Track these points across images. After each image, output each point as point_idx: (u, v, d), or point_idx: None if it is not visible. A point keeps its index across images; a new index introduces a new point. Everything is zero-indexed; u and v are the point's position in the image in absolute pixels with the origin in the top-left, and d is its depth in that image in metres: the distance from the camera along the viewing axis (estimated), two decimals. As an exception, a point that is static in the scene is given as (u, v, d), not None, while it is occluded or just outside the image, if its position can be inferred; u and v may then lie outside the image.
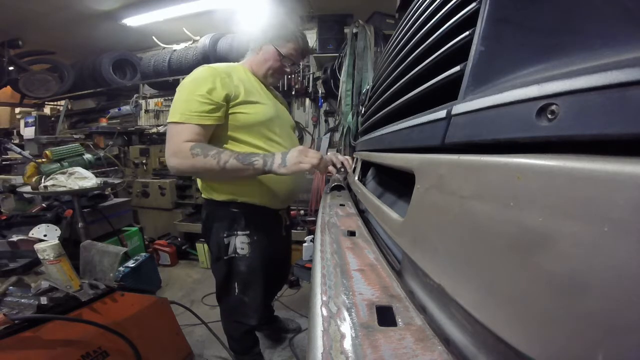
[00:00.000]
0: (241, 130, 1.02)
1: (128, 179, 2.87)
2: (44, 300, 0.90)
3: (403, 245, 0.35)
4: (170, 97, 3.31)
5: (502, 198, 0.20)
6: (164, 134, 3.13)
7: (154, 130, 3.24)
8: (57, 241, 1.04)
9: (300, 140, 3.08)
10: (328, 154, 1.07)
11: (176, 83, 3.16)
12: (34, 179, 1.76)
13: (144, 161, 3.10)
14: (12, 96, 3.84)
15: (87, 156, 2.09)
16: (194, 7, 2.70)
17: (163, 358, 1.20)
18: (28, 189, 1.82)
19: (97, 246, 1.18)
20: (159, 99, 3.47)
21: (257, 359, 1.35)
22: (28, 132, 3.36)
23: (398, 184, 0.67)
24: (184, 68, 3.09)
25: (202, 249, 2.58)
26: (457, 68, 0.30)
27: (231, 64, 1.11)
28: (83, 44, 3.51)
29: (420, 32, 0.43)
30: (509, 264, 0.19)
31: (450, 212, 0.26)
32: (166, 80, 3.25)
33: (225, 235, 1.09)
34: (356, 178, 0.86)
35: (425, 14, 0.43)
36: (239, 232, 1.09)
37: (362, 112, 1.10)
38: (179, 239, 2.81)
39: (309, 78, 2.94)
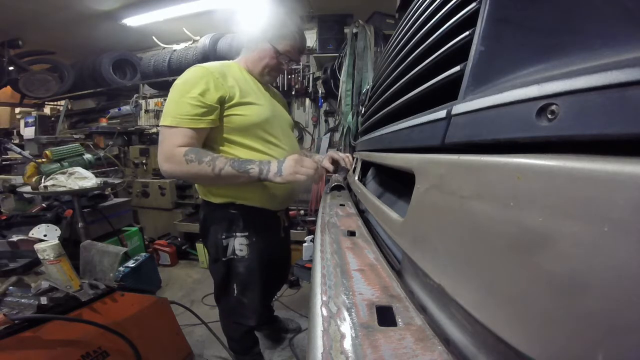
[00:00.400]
0: (237, 132, 0.99)
1: (128, 179, 2.87)
2: (44, 300, 0.90)
3: (403, 245, 0.35)
4: (170, 97, 3.31)
5: (502, 198, 0.20)
6: (162, 135, 3.12)
7: (154, 130, 3.24)
8: (57, 241, 1.04)
9: (300, 140, 3.08)
10: (328, 152, 1.06)
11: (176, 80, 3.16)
12: (34, 179, 1.76)
13: (144, 161, 3.10)
14: (12, 96, 3.84)
15: (87, 156, 2.09)
16: (194, 7, 2.70)
17: (163, 358, 1.20)
18: (28, 189, 1.82)
19: (97, 246, 1.18)
20: (159, 99, 3.47)
21: (257, 359, 1.35)
22: (28, 132, 3.36)
23: (398, 184, 0.67)
24: (184, 68, 3.03)
25: (202, 249, 2.58)
26: (457, 68, 0.30)
27: (225, 62, 1.08)
28: (83, 44, 3.51)
29: (420, 32, 0.43)
30: (509, 264, 0.19)
31: (450, 212, 0.26)
32: (166, 80, 3.25)
33: (223, 236, 1.08)
34: (356, 178, 0.86)
35: (425, 14, 0.43)
36: (237, 234, 1.08)
37: (362, 112, 1.10)
38: (179, 239, 2.81)
39: (309, 78, 2.94)
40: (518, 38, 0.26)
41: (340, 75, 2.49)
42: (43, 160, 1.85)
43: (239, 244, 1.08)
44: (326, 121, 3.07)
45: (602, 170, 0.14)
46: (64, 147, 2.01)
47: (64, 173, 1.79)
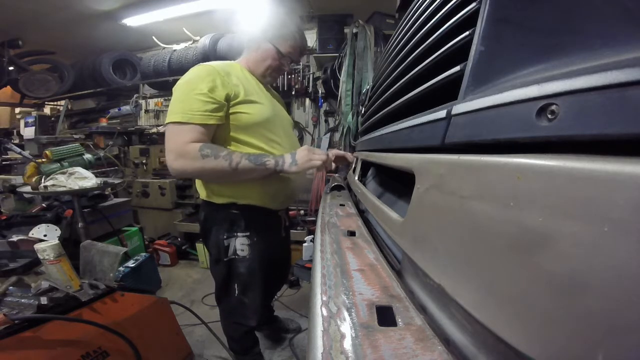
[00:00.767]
0: (241, 130, 1.00)
1: (128, 179, 2.87)
2: (44, 300, 0.90)
3: (403, 245, 0.35)
4: (170, 97, 3.30)
5: (502, 198, 0.20)
6: (164, 134, 3.12)
7: (154, 130, 3.24)
8: (57, 241, 1.04)
9: (300, 140, 3.08)
10: (330, 150, 1.07)
11: (176, 83, 3.16)
12: (34, 179, 1.76)
13: (144, 161, 3.10)
14: (12, 96, 3.84)
15: (87, 156, 2.09)
16: (194, 7, 2.70)
17: (163, 358, 1.20)
18: (28, 189, 1.82)
19: (97, 246, 1.18)
20: (159, 99, 3.47)
21: (257, 359, 1.35)
22: (28, 132, 3.36)
23: (398, 184, 0.67)
24: (184, 68, 3.05)
25: (202, 249, 2.58)
26: (457, 68, 0.30)
27: (228, 62, 1.08)
28: (83, 44, 3.51)
29: (420, 32, 0.43)
30: (509, 264, 0.19)
31: (450, 212, 0.26)
32: (166, 80, 3.25)
33: (225, 237, 1.08)
34: (356, 178, 0.86)
35: (425, 14, 0.43)
36: (238, 234, 1.08)
37: (362, 112, 1.10)
38: (179, 239, 2.81)
39: (309, 78, 2.94)
40: (518, 38, 0.26)
41: (340, 75, 2.49)
42: (43, 160, 1.85)
43: (240, 244, 1.08)
44: (326, 121, 3.07)
45: (602, 170, 0.14)
46: (64, 147, 2.01)
47: (64, 173, 1.79)
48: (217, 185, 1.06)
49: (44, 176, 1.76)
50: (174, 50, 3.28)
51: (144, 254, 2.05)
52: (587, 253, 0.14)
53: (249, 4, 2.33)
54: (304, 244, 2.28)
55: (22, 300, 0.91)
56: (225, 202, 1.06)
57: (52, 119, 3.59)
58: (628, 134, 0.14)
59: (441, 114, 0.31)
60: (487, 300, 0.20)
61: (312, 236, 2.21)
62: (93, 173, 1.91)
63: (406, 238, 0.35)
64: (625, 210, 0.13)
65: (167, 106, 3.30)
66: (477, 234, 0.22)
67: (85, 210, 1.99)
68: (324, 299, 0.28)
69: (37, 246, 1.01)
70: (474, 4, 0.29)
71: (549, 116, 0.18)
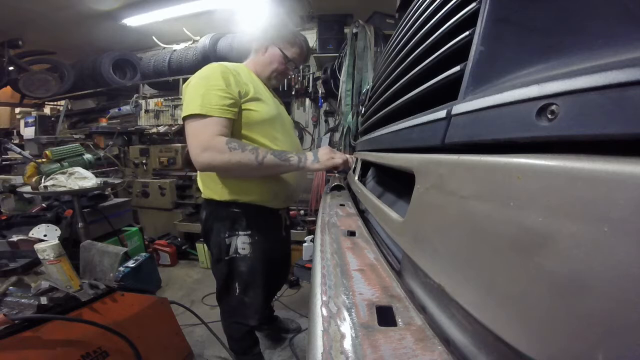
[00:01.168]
0: (249, 127, 1.02)
1: (128, 179, 2.87)
2: (44, 300, 0.90)
3: (403, 245, 0.35)
4: (170, 97, 3.31)
5: (502, 198, 0.20)
6: (164, 134, 3.12)
7: (154, 130, 3.24)
8: (57, 241, 1.04)
9: (300, 140, 3.08)
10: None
11: (176, 83, 3.16)
12: (34, 179, 1.76)
13: (144, 161, 3.10)
14: (12, 96, 3.84)
15: (87, 156, 2.09)
16: (194, 7, 2.70)
17: (163, 358, 1.20)
18: (28, 189, 1.82)
19: (97, 246, 1.18)
20: (159, 99, 3.47)
21: (257, 359, 1.35)
22: (28, 132, 3.36)
23: (398, 184, 0.67)
24: (184, 68, 3.09)
25: (202, 249, 2.58)
26: (457, 68, 0.30)
27: (236, 63, 1.11)
28: (83, 44, 3.52)
29: (420, 32, 0.43)
30: (509, 264, 0.19)
31: (450, 212, 0.26)
32: (166, 80, 3.26)
33: (226, 235, 1.09)
34: (356, 178, 0.86)
35: (425, 14, 0.43)
36: (240, 233, 1.08)
37: (362, 112, 1.10)
38: (179, 239, 2.81)
39: (309, 78, 2.95)
40: (518, 38, 0.26)
41: (340, 75, 2.49)
42: (43, 160, 1.85)
43: (241, 243, 1.09)
44: (326, 121, 3.07)
45: (602, 170, 0.14)
46: (64, 147, 2.01)
47: (64, 173, 1.79)
48: (219, 183, 1.07)
49: (44, 176, 1.76)
50: (174, 50, 3.29)
51: (144, 254, 2.05)
52: (587, 253, 0.14)
53: (249, 5, 2.34)
54: (304, 244, 2.28)
55: (22, 300, 0.91)
56: (226, 200, 1.07)
57: (52, 119, 3.60)
58: (628, 134, 0.14)
59: (441, 114, 0.31)
60: (487, 300, 0.20)
61: (312, 236, 2.21)
62: (93, 173, 1.92)
63: (406, 238, 0.35)
64: (625, 210, 0.13)
65: (167, 106, 3.31)
66: (477, 234, 0.22)
67: (85, 210, 1.99)
68: (324, 299, 0.28)
69: (37, 246, 1.01)
70: (474, 4, 0.29)
71: (549, 116, 0.18)
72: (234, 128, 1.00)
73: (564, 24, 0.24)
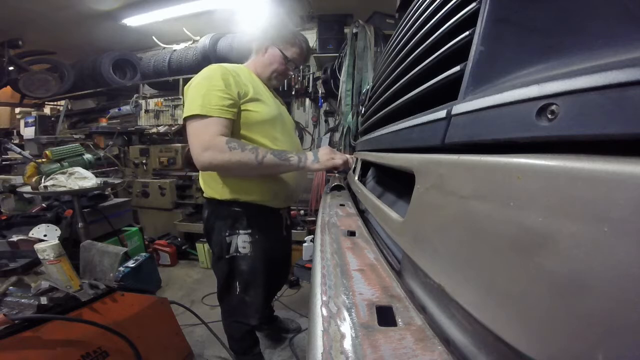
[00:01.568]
0: (249, 128, 1.03)
1: (128, 179, 2.87)
2: (44, 300, 0.90)
3: (403, 245, 0.35)
4: (170, 97, 3.31)
5: (502, 198, 0.20)
6: (164, 134, 3.12)
7: (154, 130, 3.24)
8: (57, 241, 1.04)
9: (301, 140, 3.08)
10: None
11: (176, 83, 3.16)
12: (34, 179, 1.76)
13: (144, 161, 3.10)
14: (12, 96, 3.84)
15: (87, 156, 2.09)
16: (194, 7, 2.70)
17: (163, 358, 1.20)
18: (28, 189, 1.82)
19: (97, 246, 1.18)
20: (159, 99, 3.47)
21: (257, 359, 1.35)
22: (28, 132, 3.36)
23: (398, 184, 0.67)
24: (184, 68, 3.09)
25: (202, 249, 2.58)
26: (457, 68, 0.30)
27: (236, 64, 1.12)
28: (83, 44, 3.51)
29: (420, 32, 0.43)
30: (509, 264, 0.19)
31: (450, 212, 0.26)
32: (166, 80, 3.25)
33: (227, 234, 1.09)
34: (356, 178, 0.86)
35: (425, 14, 0.43)
36: (240, 231, 1.09)
37: (362, 112, 1.10)
38: (179, 239, 2.81)
39: (309, 78, 2.95)
40: (518, 38, 0.26)
41: (340, 75, 2.49)
42: (43, 160, 1.85)
43: (242, 242, 1.09)
44: (326, 121, 3.07)
45: (602, 170, 0.14)
46: (64, 147, 2.01)
47: (64, 173, 1.79)
48: (220, 182, 1.08)
49: (44, 176, 1.76)
50: (174, 50, 3.28)
51: (144, 254, 2.05)
52: (587, 253, 0.14)
53: (249, 5, 2.34)
54: (304, 244, 2.28)
55: (22, 300, 0.91)
56: (227, 199, 1.07)
57: (52, 119, 3.59)
58: (628, 134, 0.14)
59: (441, 114, 0.31)
60: (487, 300, 0.20)
61: (312, 236, 2.21)
62: (93, 173, 1.91)
63: (406, 238, 0.35)
64: (625, 210, 0.13)
65: (167, 106, 3.31)
66: (477, 234, 0.22)
67: (85, 210, 1.99)
68: (324, 299, 0.28)
69: (37, 246, 1.01)
70: (474, 4, 0.29)
71: (549, 116, 0.18)
72: (233, 128, 1.00)
73: (564, 24, 0.24)
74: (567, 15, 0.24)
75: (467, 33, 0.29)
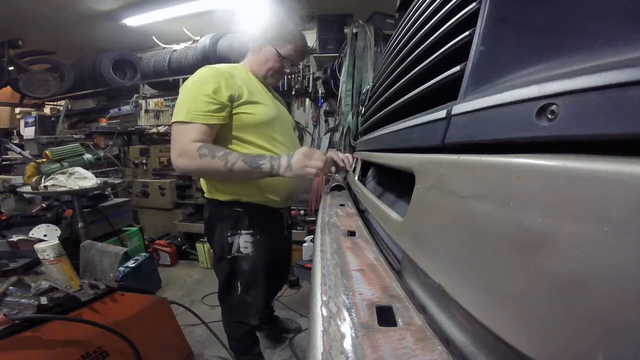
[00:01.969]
0: (245, 130, 1.02)
1: (128, 179, 2.87)
2: (44, 300, 0.90)
3: (403, 245, 0.35)
4: (170, 97, 3.31)
5: (502, 198, 0.20)
6: (164, 134, 3.12)
7: (154, 130, 3.24)
8: (57, 241, 1.04)
9: (300, 140, 3.08)
10: (328, 152, 1.07)
11: (176, 83, 3.16)
12: (34, 179, 1.76)
13: (144, 161, 3.10)
14: (12, 96, 3.84)
15: (87, 156, 2.09)
16: (194, 7, 2.70)
17: (163, 358, 1.20)
18: (28, 189, 1.82)
19: (97, 246, 1.18)
20: (159, 99, 3.47)
21: (257, 359, 1.35)
22: (28, 132, 3.36)
23: (398, 184, 0.67)
24: (184, 68, 3.09)
25: (202, 249, 2.58)
26: (457, 68, 0.30)
27: (232, 64, 1.11)
28: (83, 44, 3.51)
29: (420, 32, 0.43)
30: (509, 264, 0.19)
31: (450, 212, 0.26)
32: (166, 80, 3.25)
33: (228, 234, 1.09)
34: (356, 178, 0.86)
35: (425, 14, 0.43)
36: (242, 232, 1.09)
37: (362, 112, 1.10)
38: (179, 239, 2.81)
39: (309, 78, 2.94)
40: (518, 38, 0.26)
41: (340, 75, 2.48)
42: (43, 160, 1.85)
43: (243, 242, 1.09)
44: (326, 121, 3.07)
45: (602, 170, 0.14)
46: (64, 147, 2.01)
47: (64, 173, 1.79)
48: (220, 182, 1.08)
49: (44, 176, 1.76)
50: (174, 50, 3.28)
51: (144, 254, 2.05)
52: (587, 253, 0.14)
53: (249, 5, 2.34)
54: (304, 244, 2.28)
55: (22, 300, 0.91)
56: (228, 200, 1.08)
57: (52, 119, 3.59)
58: (628, 134, 0.14)
59: (441, 114, 0.31)
60: (487, 300, 0.20)
61: (312, 236, 2.21)
62: (93, 173, 1.91)
63: (406, 238, 0.35)
64: (625, 210, 0.13)
65: (167, 106, 3.31)
66: (477, 234, 0.22)
67: (85, 210, 1.99)
68: (324, 299, 0.28)
69: (37, 246, 1.01)
70: (474, 4, 0.29)
71: (549, 116, 0.18)
72: (226, 131, 1.00)
73: (564, 24, 0.24)
74: (567, 15, 0.24)
75: (467, 33, 0.29)
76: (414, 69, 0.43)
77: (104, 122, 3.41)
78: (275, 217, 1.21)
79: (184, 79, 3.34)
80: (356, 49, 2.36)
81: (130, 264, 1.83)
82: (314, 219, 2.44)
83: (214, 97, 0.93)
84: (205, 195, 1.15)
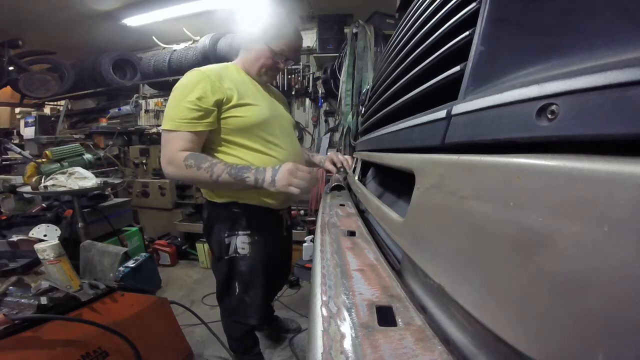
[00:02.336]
0: (236, 133, 1.00)
1: (128, 179, 2.87)
2: (44, 300, 0.90)
3: (403, 245, 0.35)
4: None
5: (502, 198, 0.20)
6: (164, 135, 3.12)
7: (154, 130, 3.24)
8: (57, 241, 1.04)
9: (300, 140, 3.07)
10: (328, 153, 1.06)
11: (176, 83, 3.16)
12: (34, 179, 1.76)
13: (144, 161, 3.10)
14: (12, 96, 3.83)
15: (87, 156, 2.09)
16: (194, 7, 2.70)
17: (163, 358, 1.20)
18: (28, 189, 1.82)
19: (97, 246, 1.18)
20: (159, 99, 3.47)
21: (257, 359, 1.35)
22: (28, 132, 3.36)
23: (398, 184, 0.67)
24: (184, 68, 3.07)
25: (202, 249, 2.58)
26: (457, 68, 0.30)
27: (223, 64, 1.08)
28: (83, 44, 3.51)
29: (420, 32, 0.43)
30: (509, 264, 0.19)
31: (450, 212, 0.26)
32: (166, 80, 3.25)
33: (226, 235, 1.09)
34: (356, 178, 0.86)
35: (425, 14, 0.43)
36: (239, 232, 1.09)
37: (362, 112, 1.10)
38: (179, 239, 2.81)
39: (309, 78, 2.94)
40: (518, 38, 0.26)
41: (340, 75, 2.48)
42: (43, 160, 1.85)
43: (241, 242, 1.09)
44: (326, 121, 3.07)
45: (602, 170, 0.14)
46: (64, 147, 2.01)
47: (64, 173, 1.79)
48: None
49: (44, 176, 1.76)
50: (174, 50, 3.28)
51: (144, 254, 2.05)
52: (587, 253, 0.14)
53: (248, 4, 2.34)
54: (304, 244, 2.28)
55: (22, 300, 0.91)
56: (226, 201, 1.07)
57: (52, 119, 3.59)
58: (628, 134, 0.14)
59: (441, 114, 0.31)
60: (487, 300, 0.20)
61: (312, 236, 2.21)
62: (93, 173, 1.91)
63: (406, 238, 0.35)
64: (625, 210, 0.13)
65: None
66: (477, 234, 0.22)
67: (85, 210, 1.99)
68: (324, 299, 0.28)
69: (37, 246, 1.01)
70: (474, 4, 0.29)
71: (549, 116, 0.18)
72: (216, 135, 0.99)
73: (564, 24, 0.24)
74: (567, 15, 0.24)
75: (467, 33, 0.29)
76: (414, 69, 0.43)
77: (104, 122, 3.40)
78: (274, 218, 1.20)
79: (184, 79, 3.29)
80: (356, 49, 2.36)
81: (130, 264, 1.83)
82: (314, 219, 2.44)
83: (198, 104, 0.92)
84: (204, 196, 1.15)
